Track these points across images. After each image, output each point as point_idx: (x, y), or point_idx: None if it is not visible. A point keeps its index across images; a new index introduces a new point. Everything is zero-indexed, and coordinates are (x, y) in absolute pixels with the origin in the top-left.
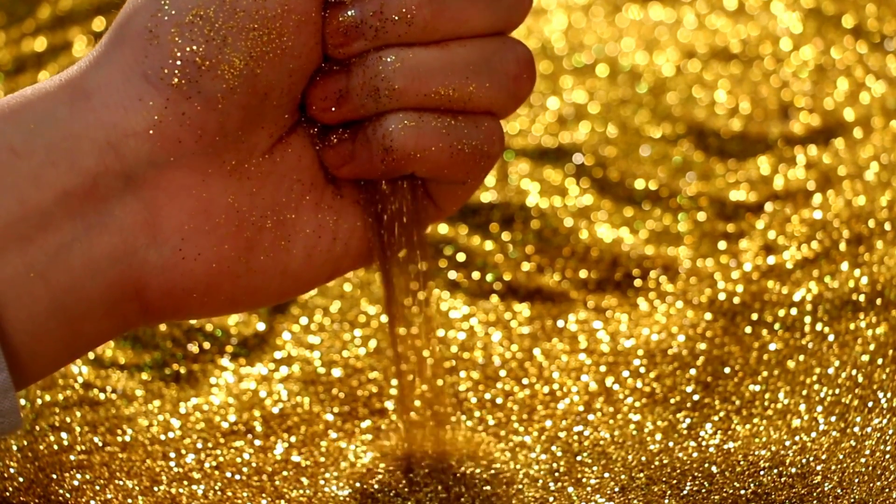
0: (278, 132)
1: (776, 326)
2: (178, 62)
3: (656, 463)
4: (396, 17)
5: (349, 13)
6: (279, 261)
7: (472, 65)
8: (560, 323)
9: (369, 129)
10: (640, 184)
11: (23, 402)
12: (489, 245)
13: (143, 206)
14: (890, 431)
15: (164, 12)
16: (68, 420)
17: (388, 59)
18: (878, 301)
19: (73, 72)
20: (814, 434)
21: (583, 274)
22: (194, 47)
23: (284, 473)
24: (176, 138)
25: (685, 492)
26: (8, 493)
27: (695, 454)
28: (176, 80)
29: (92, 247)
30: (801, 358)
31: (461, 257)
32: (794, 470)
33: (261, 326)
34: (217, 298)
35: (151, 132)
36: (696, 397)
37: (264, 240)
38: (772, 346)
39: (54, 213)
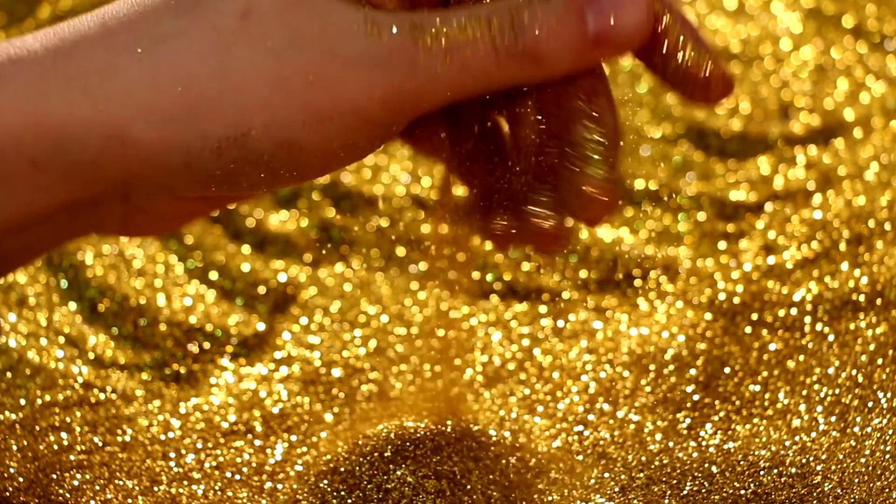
0: None
1: (776, 326)
2: (220, 172)
3: (656, 463)
4: None
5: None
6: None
7: None
8: (560, 323)
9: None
10: (640, 184)
11: (23, 401)
12: (489, 245)
13: (128, 209)
14: (890, 431)
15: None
16: (68, 420)
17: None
18: (878, 301)
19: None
20: (814, 434)
21: (583, 274)
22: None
23: (284, 473)
24: (195, 198)
25: (685, 492)
26: (8, 493)
27: (695, 454)
28: (216, 175)
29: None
30: (801, 358)
31: (461, 257)
32: (794, 470)
33: (261, 326)
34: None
35: (174, 195)
36: (696, 397)
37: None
38: (772, 346)
39: (52, 213)
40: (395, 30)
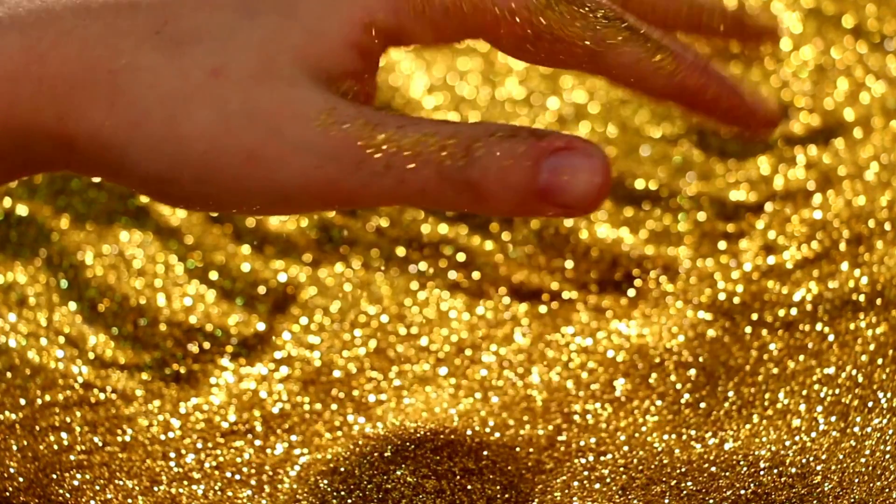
0: None
1: (776, 326)
2: (143, 193)
3: (656, 463)
4: None
5: None
6: None
7: None
8: (560, 323)
9: None
10: (640, 184)
11: (23, 401)
12: (489, 245)
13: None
14: (890, 431)
15: None
16: (68, 420)
17: None
18: (878, 301)
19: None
20: (814, 434)
21: (583, 274)
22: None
23: (284, 473)
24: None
25: (685, 492)
26: (8, 493)
27: (695, 454)
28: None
29: None
30: (801, 358)
31: (461, 257)
32: (794, 470)
33: (261, 326)
34: None
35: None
36: (696, 397)
37: None
38: (772, 346)
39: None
40: (346, 126)
